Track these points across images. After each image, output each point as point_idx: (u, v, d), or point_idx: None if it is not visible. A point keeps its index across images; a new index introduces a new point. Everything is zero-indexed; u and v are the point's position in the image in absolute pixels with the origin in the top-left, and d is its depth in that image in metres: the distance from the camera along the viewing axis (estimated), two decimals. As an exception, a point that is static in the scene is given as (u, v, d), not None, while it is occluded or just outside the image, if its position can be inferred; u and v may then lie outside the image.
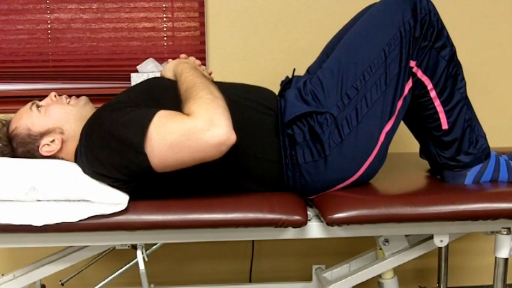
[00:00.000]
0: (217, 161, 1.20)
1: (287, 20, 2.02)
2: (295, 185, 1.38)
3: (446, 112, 1.40)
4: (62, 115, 1.42)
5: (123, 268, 1.61)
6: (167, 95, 1.36)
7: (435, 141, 1.45)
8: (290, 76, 1.52)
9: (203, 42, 2.04)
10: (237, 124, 1.20)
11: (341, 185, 1.39)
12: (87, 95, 1.51)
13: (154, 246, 1.61)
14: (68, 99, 1.47)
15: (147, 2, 2.03)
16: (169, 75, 1.49)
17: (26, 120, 1.41)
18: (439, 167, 1.49)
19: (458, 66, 1.41)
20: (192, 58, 1.57)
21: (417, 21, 1.35)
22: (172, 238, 1.35)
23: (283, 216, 1.27)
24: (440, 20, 1.38)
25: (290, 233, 1.34)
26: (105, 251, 1.60)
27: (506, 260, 1.39)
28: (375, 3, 1.48)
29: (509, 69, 2.10)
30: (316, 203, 1.38)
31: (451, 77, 1.39)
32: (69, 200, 1.31)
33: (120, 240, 1.36)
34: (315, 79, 1.40)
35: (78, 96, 1.50)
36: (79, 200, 1.31)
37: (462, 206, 1.29)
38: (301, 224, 1.28)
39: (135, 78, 1.86)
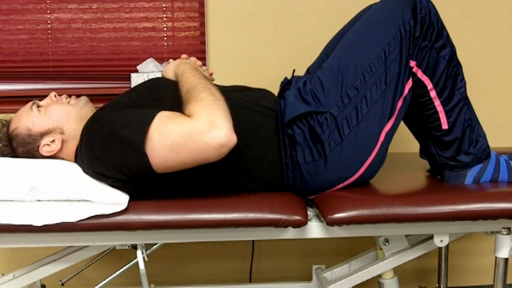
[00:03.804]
0: (217, 161, 1.20)
1: (287, 20, 2.02)
2: (295, 185, 1.38)
3: (446, 112, 1.40)
4: (62, 115, 1.42)
5: (123, 268, 1.60)
6: (168, 96, 1.36)
7: (435, 141, 1.45)
8: (290, 77, 1.52)
9: (203, 42, 2.04)
10: (237, 125, 1.20)
11: (341, 185, 1.39)
12: (87, 95, 1.52)
13: (154, 246, 1.60)
14: (68, 99, 1.47)
15: (147, 2, 2.03)
16: (170, 75, 1.49)
17: (26, 120, 1.41)
18: (439, 167, 1.49)
19: (458, 66, 1.41)
20: (193, 59, 1.57)
21: (417, 21, 1.34)
22: (172, 238, 1.35)
23: (283, 216, 1.27)
24: (441, 20, 1.38)
25: (290, 233, 1.34)
26: (105, 251, 1.60)
27: (506, 260, 1.39)
28: (375, 3, 1.48)
29: (509, 69, 2.10)
30: (316, 203, 1.38)
31: (451, 77, 1.39)
32: (69, 200, 1.31)
33: (120, 240, 1.36)
34: (315, 79, 1.40)
35: (78, 96, 1.50)
36: (79, 200, 1.30)
37: (462, 206, 1.29)
38: (301, 224, 1.28)
39: (135, 78, 1.86)
